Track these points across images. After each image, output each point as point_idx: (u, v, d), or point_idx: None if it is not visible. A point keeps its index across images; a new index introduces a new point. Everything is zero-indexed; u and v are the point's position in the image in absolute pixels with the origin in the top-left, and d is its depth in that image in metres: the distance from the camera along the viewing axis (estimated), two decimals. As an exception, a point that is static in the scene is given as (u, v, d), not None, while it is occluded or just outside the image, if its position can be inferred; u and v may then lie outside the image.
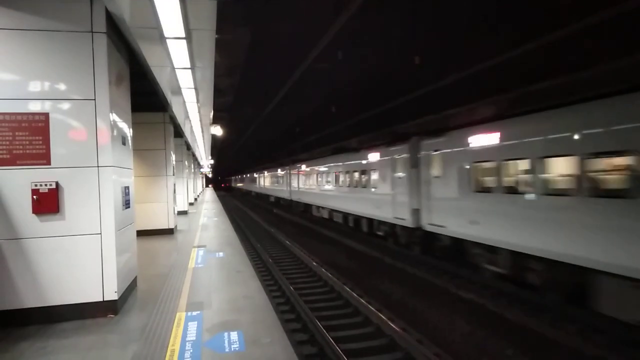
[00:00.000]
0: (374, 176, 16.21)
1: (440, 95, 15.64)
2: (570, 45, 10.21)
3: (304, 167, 28.63)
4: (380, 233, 16.24)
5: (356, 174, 18.19)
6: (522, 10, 10.00)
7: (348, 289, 9.89)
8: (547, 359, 6.86)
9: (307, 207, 28.34)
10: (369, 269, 13.03)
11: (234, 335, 4.90)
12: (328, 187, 22.56)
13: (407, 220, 13.48)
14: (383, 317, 8.01)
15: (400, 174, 14.01)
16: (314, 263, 13.10)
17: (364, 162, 17.21)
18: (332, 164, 21.83)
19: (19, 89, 5.32)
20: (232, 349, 4.54)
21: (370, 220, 17.07)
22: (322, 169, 23.67)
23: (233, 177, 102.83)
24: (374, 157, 16.25)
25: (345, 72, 15.89)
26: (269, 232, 21.60)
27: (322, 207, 24.11)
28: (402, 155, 13.87)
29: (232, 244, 11.75)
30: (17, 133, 5.29)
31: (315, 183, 25.50)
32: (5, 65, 5.30)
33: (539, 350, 7.13)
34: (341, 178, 20.22)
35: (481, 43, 11.66)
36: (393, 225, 14.94)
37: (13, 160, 5.30)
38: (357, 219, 18.45)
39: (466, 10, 10.44)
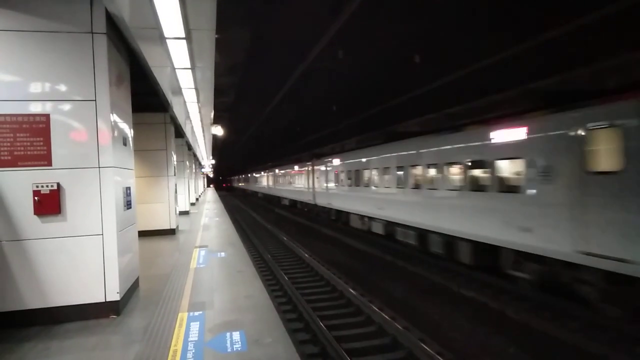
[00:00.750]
0: (518, 169, 8.99)
1: None
2: None
3: (336, 161, 20.91)
4: (521, 275, 9.02)
5: (455, 169, 11.02)
6: None
7: (349, 288, 9.88)
8: (548, 357, 6.85)
9: (341, 215, 20.95)
10: (371, 268, 13.02)
11: (236, 335, 4.90)
12: (386, 189, 14.97)
13: None
14: (385, 315, 8.01)
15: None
16: (315, 261, 13.10)
17: (481, 144, 9.86)
18: (393, 155, 14.49)
19: (20, 91, 5.33)
20: (234, 349, 4.55)
21: (499, 251, 9.57)
22: (373, 163, 16.21)
23: (235, 177, 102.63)
24: (513, 135, 8.89)
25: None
26: (270, 232, 21.59)
27: (373, 218, 16.44)
28: None
29: (234, 243, 11.76)
30: (18, 134, 5.30)
31: (359, 183, 17.64)
32: (5, 67, 5.30)
33: (541, 347, 7.12)
34: (414, 175, 13.09)
35: None
36: (591, 272, 7.38)
37: (14, 161, 5.30)
38: (450, 242, 11.32)
39: None
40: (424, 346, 6.65)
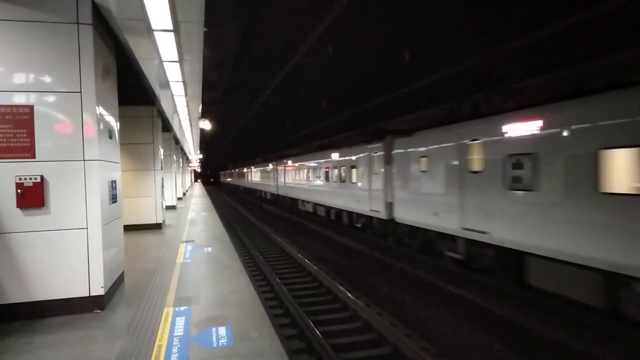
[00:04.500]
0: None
1: None
2: None
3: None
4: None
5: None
6: None
7: (337, 284, 9.90)
8: (533, 353, 6.94)
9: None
10: (358, 264, 13.06)
11: (222, 331, 4.89)
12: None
13: None
14: (372, 311, 8.04)
15: None
16: (303, 258, 13.10)
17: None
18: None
19: (3, 81, 5.22)
20: (220, 344, 4.53)
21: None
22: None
23: (221, 173, 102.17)
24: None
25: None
26: (258, 227, 21.54)
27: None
28: None
29: (221, 238, 11.70)
30: (0, 126, 5.20)
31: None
32: (-12, 57, 5.19)
33: (526, 344, 7.21)
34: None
35: None
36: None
37: (-3, 153, 5.21)
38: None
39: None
40: (410, 342, 6.70)
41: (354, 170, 17.11)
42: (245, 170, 56.05)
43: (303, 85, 19.08)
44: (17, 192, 5.22)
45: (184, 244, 10.75)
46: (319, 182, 21.99)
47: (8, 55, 5.25)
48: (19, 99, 5.27)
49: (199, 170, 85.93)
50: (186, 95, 10.91)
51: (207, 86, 15.05)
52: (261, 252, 14.86)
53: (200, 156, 54.88)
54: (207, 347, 4.48)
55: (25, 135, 5.28)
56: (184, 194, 34.40)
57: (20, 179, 5.23)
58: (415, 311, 8.82)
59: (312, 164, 23.30)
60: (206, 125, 19.69)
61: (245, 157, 62.92)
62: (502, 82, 12.63)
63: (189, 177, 53.64)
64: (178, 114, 14.91)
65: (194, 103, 13.42)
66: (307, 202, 24.97)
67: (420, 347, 6.54)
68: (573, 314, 7.87)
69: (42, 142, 5.34)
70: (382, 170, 14.38)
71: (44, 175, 5.34)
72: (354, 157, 17.11)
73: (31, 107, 5.29)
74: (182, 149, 31.44)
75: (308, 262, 12.51)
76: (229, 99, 22.90)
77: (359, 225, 17.30)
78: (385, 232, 15.07)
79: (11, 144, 5.25)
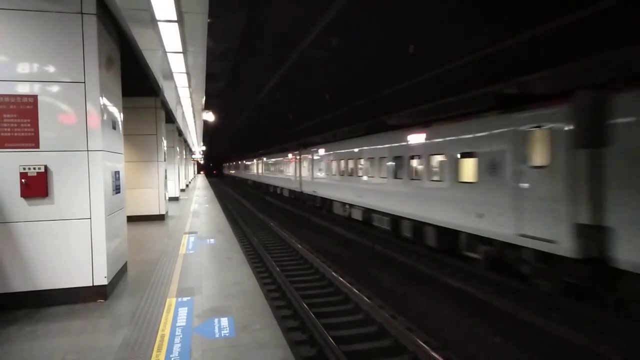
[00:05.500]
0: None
1: None
2: None
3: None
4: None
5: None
6: None
7: (339, 277, 9.92)
8: (533, 347, 6.95)
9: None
10: (360, 257, 13.08)
11: (224, 321, 4.91)
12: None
13: None
14: (373, 304, 8.06)
15: None
16: (305, 250, 13.12)
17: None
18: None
19: (7, 71, 5.23)
20: (222, 335, 4.56)
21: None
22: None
23: (224, 165, 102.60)
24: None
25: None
26: (260, 219, 21.57)
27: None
28: None
29: (223, 230, 11.74)
30: (4, 115, 5.21)
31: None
32: (-8, 46, 5.19)
33: (526, 338, 7.21)
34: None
35: None
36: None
37: (1, 142, 5.23)
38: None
39: None
40: (411, 334, 6.72)
41: (466, 161, 10.34)
42: (254, 161, 48.16)
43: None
44: (21, 182, 5.24)
45: (187, 235, 10.79)
46: (379, 178, 14.89)
47: (12, 45, 5.24)
48: (23, 89, 5.28)
49: (202, 162, 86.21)
50: (190, 86, 10.90)
51: (211, 78, 15.02)
52: (263, 243, 14.89)
53: (204, 148, 55.00)
54: (209, 337, 4.51)
55: (29, 125, 5.29)
56: (187, 185, 34.48)
57: (24, 168, 5.25)
58: (417, 304, 8.84)
59: (366, 151, 16.16)
60: (209, 116, 19.67)
61: (255, 146, 58.30)
62: None
63: (191, 169, 53.75)
64: (181, 106, 14.91)
65: (198, 94, 13.42)
66: (354, 205, 17.77)
67: (421, 340, 6.56)
68: (575, 308, 7.86)
69: (45, 132, 5.35)
70: (564, 160, 7.60)
71: (48, 165, 5.36)
72: (467, 137, 10.26)
73: (35, 97, 5.30)
74: (185, 141, 31.48)
75: (310, 253, 12.54)
76: (233, 91, 22.85)
77: (475, 255, 10.26)
78: (557, 278, 8.13)
79: (15, 134, 5.26)
